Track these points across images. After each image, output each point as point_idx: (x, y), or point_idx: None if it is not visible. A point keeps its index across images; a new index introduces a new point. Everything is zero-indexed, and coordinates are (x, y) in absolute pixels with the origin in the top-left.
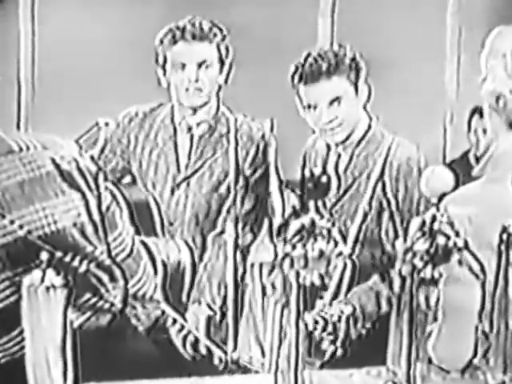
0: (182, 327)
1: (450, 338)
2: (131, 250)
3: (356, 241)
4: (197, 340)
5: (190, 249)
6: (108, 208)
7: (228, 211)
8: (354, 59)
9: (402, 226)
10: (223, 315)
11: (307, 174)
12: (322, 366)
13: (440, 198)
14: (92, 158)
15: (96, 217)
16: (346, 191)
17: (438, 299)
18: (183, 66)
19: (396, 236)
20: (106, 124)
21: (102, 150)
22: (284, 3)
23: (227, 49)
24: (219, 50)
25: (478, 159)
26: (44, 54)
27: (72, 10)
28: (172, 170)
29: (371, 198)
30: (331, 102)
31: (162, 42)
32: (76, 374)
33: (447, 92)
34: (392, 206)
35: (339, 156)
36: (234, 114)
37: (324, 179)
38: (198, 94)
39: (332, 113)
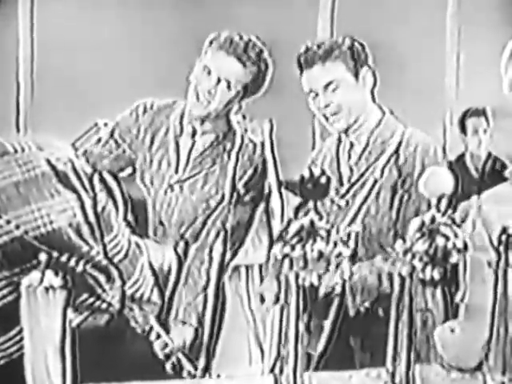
0: (166, 345)
1: (469, 337)
2: (127, 252)
3: (358, 211)
4: (179, 360)
5: (179, 257)
6: (103, 209)
7: (213, 224)
8: (351, 47)
9: (414, 205)
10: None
11: (306, 174)
12: (319, 359)
13: (439, 199)
14: (99, 140)
15: (91, 217)
16: (361, 176)
17: (463, 297)
18: (209, 72)
19: (405, 219)
20: (105, 124)
21: (112, 134)
22: (284, 3)
23: (260, 83)
24: (253, 79)
25: (472, 160)
26: (43, 55)
27: (71, 10)
28: (170, 171)
29: (384, 167)
30: (326, 87)
31: (212, 41)
32: (75, 375)
33: (447, 92)
34: (406, 185)
35: (352, 145)
36: (240, 129)
37: (323, 180)
38: (202, 106)
39: (328, 98)
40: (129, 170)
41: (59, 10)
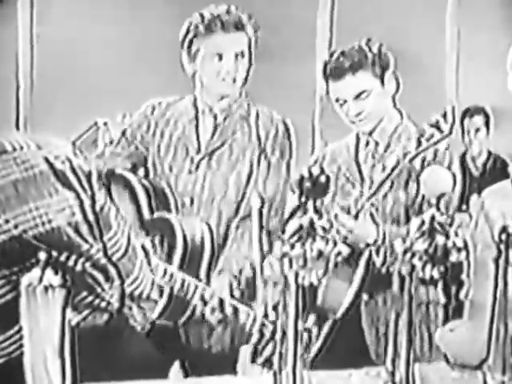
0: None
1: (473, 334)
2: (126, 250)
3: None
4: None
5: (210, 228)
6: (102, 208)
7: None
8: (379, 54)
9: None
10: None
11: (305, 173)
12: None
13: (439, 198)
14: (111, 142)
15: (90, 216)
16: (388, 175)
17: (467, 294)
18: (220, 56)
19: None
20: (105, 124)
21: (123, 134)
22: (284, 4)
23: (255, 40)
24: (250, 40)
25: (473, 159)
26: (43, 54)
27: (71, 10)
28: (191, 152)
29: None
30: (357, 96)
31: (195, 30)
32: (74, 375)
33: (447, 92)
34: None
35: (377, 143)
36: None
37: (322, 179)
38: (231, 85)
39: (359, 106)
40: (141, 172)
41: (59, 8)
